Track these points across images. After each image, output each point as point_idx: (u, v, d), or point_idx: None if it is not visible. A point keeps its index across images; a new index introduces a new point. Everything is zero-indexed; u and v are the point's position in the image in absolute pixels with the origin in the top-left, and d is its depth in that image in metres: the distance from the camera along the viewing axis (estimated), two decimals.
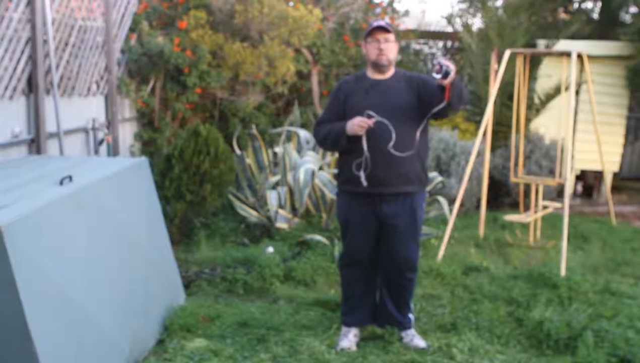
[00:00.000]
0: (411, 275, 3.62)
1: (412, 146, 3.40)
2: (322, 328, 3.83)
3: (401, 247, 3.53)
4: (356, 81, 3.58)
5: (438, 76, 3.10)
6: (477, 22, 8.87)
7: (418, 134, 3.44)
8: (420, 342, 3.62)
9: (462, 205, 6.35)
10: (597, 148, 6.37)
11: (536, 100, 7.28)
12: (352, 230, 3.59)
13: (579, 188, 8.20)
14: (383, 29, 3.43)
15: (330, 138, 3.50)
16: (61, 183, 3.16)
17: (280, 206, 5.53)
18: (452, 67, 3.09)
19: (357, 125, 3.33)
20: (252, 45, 6.88)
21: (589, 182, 8.26)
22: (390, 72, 3.54)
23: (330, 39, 7.80)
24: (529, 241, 5.84)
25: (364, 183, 3.40)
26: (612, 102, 7.74)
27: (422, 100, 3.42)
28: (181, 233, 5.57)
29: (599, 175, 7.92)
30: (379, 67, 3.50)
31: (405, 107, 3.43)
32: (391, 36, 3.46)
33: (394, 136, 3.34)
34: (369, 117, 3.34)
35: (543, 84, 7.35)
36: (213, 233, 5.54)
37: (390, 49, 3.46)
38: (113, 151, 5.96)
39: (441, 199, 5.83)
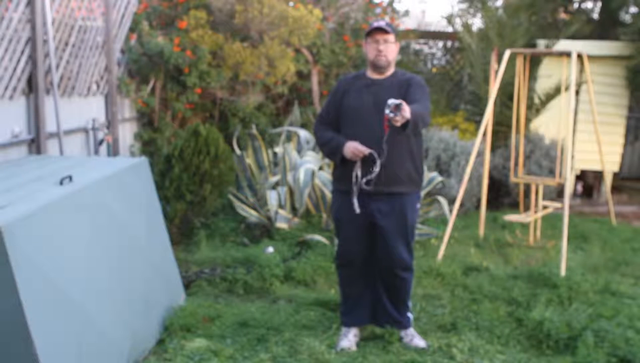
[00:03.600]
0: (405, 274, 3.61)
1: (402, 144, 3.42)
2: (322, 328, 3.84)
3: (391, 247, 3.52)
4: (354, 80, 3.60)
5: (391, 114, 3.12)
6: (477, 22, 8.86)
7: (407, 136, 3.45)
8: (420, 342, 3.62)
9: (462, 205, 6.35)
10: (597, 148, 6.37)
11: (536, 100, 7.28)
12: (344, 228, 3.61)
13: (579, 188, 8.19)
14: (383, 30, 3.43)
15: (327, 148, 3.58)
16: (61, 183, 3.16)
17: (280, 206, 5.53)
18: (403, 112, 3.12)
19: (352, 151, 3.37)
20: (252, 45, 6.88)
21: (589, 182, 8.26)
22: (389, 72, 3.55)
23: (330, 39, 7.80)
24: (529, 241, 5.84)
25: (357, 210, 3.43)
26: (612, 102, 7.74)
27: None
28: (181, 233, 5.57)
29: (599, 175, 7.92)
30: (377, 67, 3.51)
31: None
32: (391, 37, 3.46)
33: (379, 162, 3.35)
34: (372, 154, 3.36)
35: (543, 84, 7.35)
36: (213, 233, 5.54)
37: (389, 50, 3.47)
38: (113, 151, 5.96)
39: (441, 199, 5.83)
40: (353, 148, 3.36)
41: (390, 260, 3.55)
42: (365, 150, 3.34)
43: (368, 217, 3.49)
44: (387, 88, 3.47)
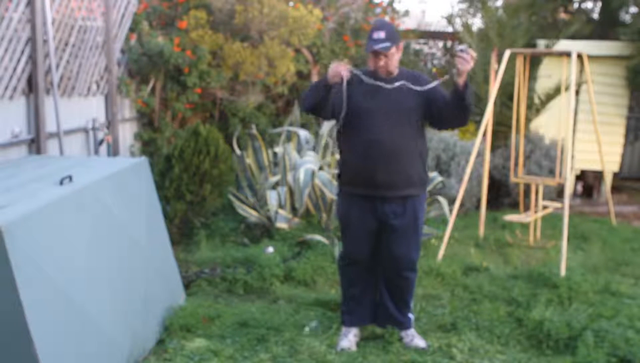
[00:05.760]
0: (411, 275, 3.63)
1: (413, 146, 3.42)
2: (322, 328, 3.83)
3: (401, 247, 3.54)
4: (360, 78, 3.56)
5: (463, 53, 3.20)
6: (477, 22, 8.87)
7: (418, 134, 3.46)
8: (420, 342, 3.63)
9: (462, 205, 6.35)
10: (597, 148, 6.37)
11: (536, 100, 7.28)
12: (351, 230, 3.59)
13: (579, 188, 8.20)
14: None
15: (311, 91, 3.42)
16: (61, 183, 3.16)
17: (280, 206, 5.53)
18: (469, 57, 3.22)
19: (333, 71, 3.27)
20: (252, 45, 6.88)
21: (589, 182, 8.26)
22: (394, 74, 3.53)
23: (330, 39, 7.80)
24: (529, 241, 5.84)
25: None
26: (612, 102, 7.74)
27: (431, 105, 3.43)
28: (181, 233, 5.57)
29: (599, 175, 7.92)
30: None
31: (407, 108, 3.43)
32: (391, 51, 3.38)
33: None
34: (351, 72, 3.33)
35: (543, 84, 7.35)
36: (213, 233, 5.54)
37: (391, 62, 3.42)
38: (113, 151, 5.96)
39: (441, 199, 5.83)
40: (335, 67, 3.27)
41: (398, 261, 3.56)
42: (347, 71, 3.28)
43: (379, 219, 3.50)
44: (396, 89, 3.46)
